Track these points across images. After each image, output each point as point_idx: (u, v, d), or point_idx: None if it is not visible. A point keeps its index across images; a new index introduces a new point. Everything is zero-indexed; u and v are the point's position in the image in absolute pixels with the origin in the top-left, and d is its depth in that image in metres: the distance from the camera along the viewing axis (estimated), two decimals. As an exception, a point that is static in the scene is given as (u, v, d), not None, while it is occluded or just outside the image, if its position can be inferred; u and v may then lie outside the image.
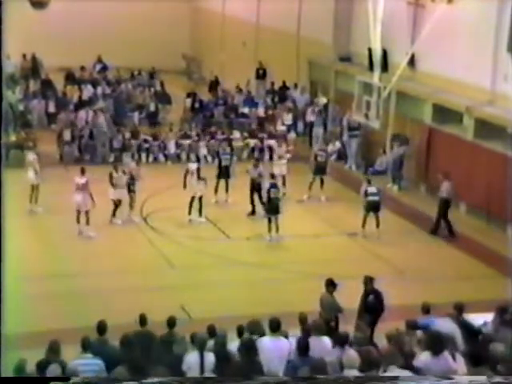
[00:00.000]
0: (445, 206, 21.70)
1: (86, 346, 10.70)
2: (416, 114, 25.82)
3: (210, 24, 39.67)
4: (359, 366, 9.50)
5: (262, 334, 11.09)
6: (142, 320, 12.15)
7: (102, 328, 11.48)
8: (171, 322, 12.08)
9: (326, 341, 10.91)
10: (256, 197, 22.68)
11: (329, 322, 13.61)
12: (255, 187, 22.79)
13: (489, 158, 22.25)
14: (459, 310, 11.80)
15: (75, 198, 20.84)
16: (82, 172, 21.21)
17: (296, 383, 8.67)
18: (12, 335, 9.62)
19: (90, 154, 27.92)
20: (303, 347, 10.34)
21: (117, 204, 21.75)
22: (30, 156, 23.24)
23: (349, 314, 14.18)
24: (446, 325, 10.99)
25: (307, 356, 10.23)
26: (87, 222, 20.83)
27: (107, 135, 28.17)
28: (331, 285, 14.11)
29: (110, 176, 21.67)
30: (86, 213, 20.83)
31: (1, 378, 8.98)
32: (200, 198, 22.29)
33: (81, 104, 30.45)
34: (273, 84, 33.05)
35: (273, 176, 21.95)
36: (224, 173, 23.86)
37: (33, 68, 34.44)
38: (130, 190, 22.01)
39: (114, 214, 21.76)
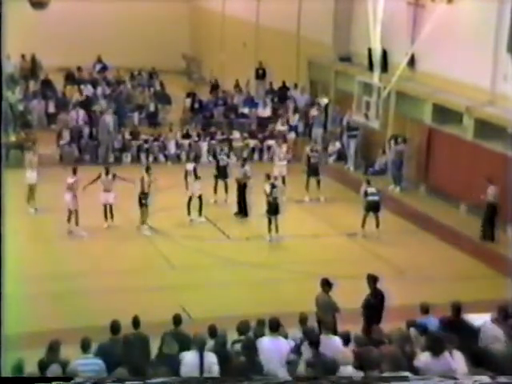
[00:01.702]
0: (492, 210, 21.21)
1: (86, 347, 10.70)
2: (416, 113, 25.81)
3: (210, 24, 39.65)
4: (361, 365, 9.50)
5: (258, 335, 11.09)
6: (136, 322, 11.93)
7: (115, 328, 11.46)
8: (177, 320, 12.03)
9: (337, 340, 10.88)
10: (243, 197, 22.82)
11: (325, 322, 13.58)
12: (241, 187, 22.82)
13: (489, 157, 22.24)
14: (457, 309, 11.76)
15: (65, 197, 20.88)
16: (74, 172, 21.21)
17: (297, 383, 8.66)
18: (12, 335, 9.61)
19: (89, 154, 27.96)
20: (314, 341, 10.29)
21: (105, 208, 21.42)
22: (29, 156, 23.24)
23: (349, 313, 14.16)
24: (493, 329, 10.94)
25: (318, 351, 10.19)
26: (76, 222, 20.86)
27: (112, 136, 28.17)
28: (327, 284, 14.07)
29: (98, 178, 21.41)
30: (76, 212, 20.83)
31: (1, 378, 8.98)
32: (199, 198, 22.33)
33: (82, 104, 30.42)
34: (271, 84, 33.05)
35: (269, 176, 21.91)
36: (222, 173, 23.91)
37: (32, 69, 34.42)
38: (142, 203, 21.27)
39: (105, 218, 21.48)
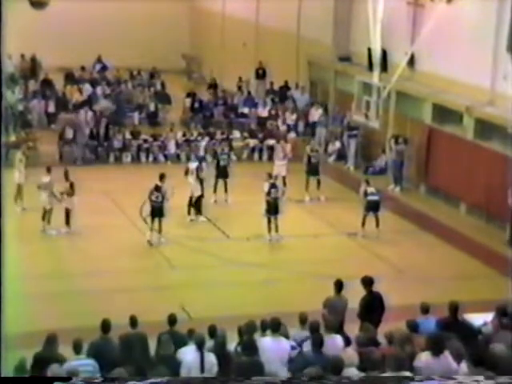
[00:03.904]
0: None
1: (78, 348, 10.73)
2: (416, 113, 25.81)
3: (210, 24, 39.63)
4: (362, 366, 9.50)
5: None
6: (133, 322, 12.03)
7: (106, 326, 11.50)
8: (172, 320, 12.05)
9: (339, 339, 10.88)
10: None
11: (337, 323, 13.52)
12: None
13: (489, 157, 22.24)
14: (454, 309, 11.75)
15: (41, 196, 20.86)
16: (48, 171, 21.12)
17: (301, 383, 8.66)
18: (12, 335, 9.61)
19: (90, 153, 27.98)
20: (317, 342, 10.29)
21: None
22: (18, 155, 23.14)
23: (349, 313, 14.13)
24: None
25: (321, 352, 10.20)
26: (48, 221, 20.78)
27: (86, 136, 28.09)
28: (340, 286, 14.01)
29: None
30: (50, 211, 20.73)
31: (1, 378, 8.98)
32: (199, 197, 22.32)
33: (88, 104, 30.42)
34: (272, 84, 33.07)
35: (270, 176, 21.91)
36: (222, 173, 23.92)
37: (32, 69, 34.44)
38: (156, 214, 20.34)
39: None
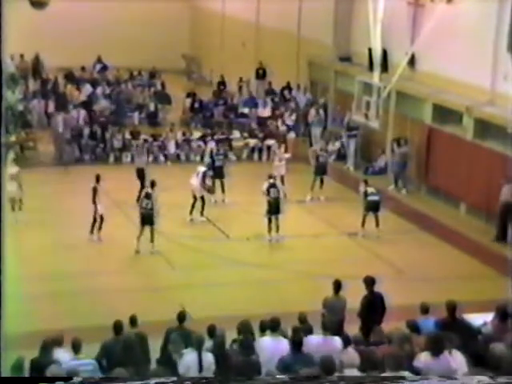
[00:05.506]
0: (507, 209, 21.00)
1: (77, 348, 10.75)
2: (416, 113, 25.81)
3: (210, 24, 39.68)
4: (361, 366, 9.50)
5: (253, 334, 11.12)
6: (133, 321, 12.09)
7: (118, 328, 11.54)
8: (181, 317, 12.05)
9: (337, 341, 10.88)
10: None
11: (333, 323, 13.52)
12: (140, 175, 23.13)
13: (489, 157, 22.24)
14: (452, 309, 11.74)
15: (8, 187, 20.85)
16: (15, 161, 21.60)
17: (298, 383, 8.65)
18: (12, 335, 9.61)
19: (89, 153, 27.98)
20: (297, 343, 10.30)
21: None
22: (10, 155, 23.11)
23: (349, 314, 14.14)
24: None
25: (300, 352, 10.20)
26: (19, 208, 21.05)
27: (63, 136, 27.98)
28: (339, 286, 14.03)
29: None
30: (20, 201, 21.04)
31: (1, 378, 8.98)
32: (202, 198, 22.34)
33: (85, 104, 30.41)
34: (270, 84, 33.07)
35: (270, 176, 21.89)
36: (218, 173, 23.90)
37: (34, 68, 34.47)
38: (146, 222, 19.76)
39: (92, 230, 20.59)
